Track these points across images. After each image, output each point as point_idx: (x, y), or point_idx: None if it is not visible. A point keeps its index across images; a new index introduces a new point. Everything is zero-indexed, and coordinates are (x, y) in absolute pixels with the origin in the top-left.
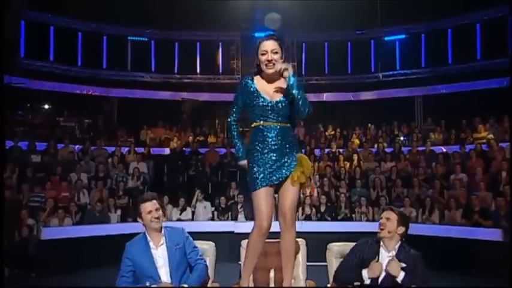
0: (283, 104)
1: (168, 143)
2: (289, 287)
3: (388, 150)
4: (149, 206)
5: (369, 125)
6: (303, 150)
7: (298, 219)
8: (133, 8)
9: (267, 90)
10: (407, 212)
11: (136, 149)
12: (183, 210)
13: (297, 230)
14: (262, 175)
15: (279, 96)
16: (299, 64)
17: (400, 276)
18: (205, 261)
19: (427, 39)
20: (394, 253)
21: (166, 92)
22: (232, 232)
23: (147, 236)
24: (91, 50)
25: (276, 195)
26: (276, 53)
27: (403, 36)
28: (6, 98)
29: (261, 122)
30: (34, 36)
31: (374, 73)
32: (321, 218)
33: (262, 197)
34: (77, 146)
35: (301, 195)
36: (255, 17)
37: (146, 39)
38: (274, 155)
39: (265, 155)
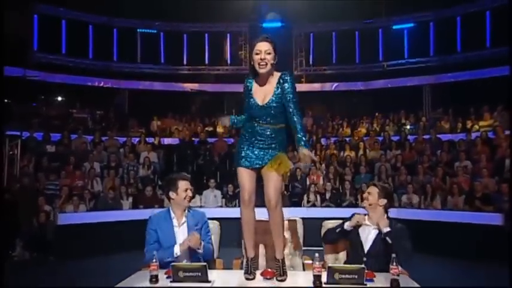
0: (273, 107)
1: (177, 133)
2: (282, 258)
3: (394, 138)
4: (186, 185)
5: (376, 114)
6: (311, 140)
7: (304, 206)
8: (142, 0)
9: (259, 92)
10: (410, 199)
11: (146, 139)
12: (192, 197)
13: (303, 216)
14: (244, 155)
15: (268, 99)
16: (307, 54)
17: (387, 228)
18: (212, 246)
19: (435, 27)
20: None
21: (176, 83)
22: (239, 218)
23: (171, 212)
24: (102, 43)
25: None
26: (269, 53)
27: (411, 24)
28: (22, 90)
29: (253, 122)
30: (47, 30)
31: (382, 62)
32: (326, 205)
33: (243, 173)
34: (90, 136)
35: (307, 183)
36: (262, 8)
37: (155, 31)
38: (259, 145)
39: (252, 145)
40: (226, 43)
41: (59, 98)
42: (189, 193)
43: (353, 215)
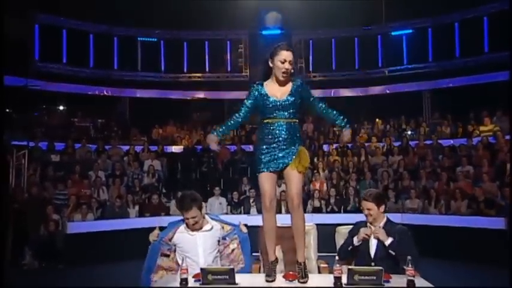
0: (289, 102)
1: (180, 141)
2: (303, 261)
3: (396, 144)
4: (191, 214)
5: (377, 120)
6: (312, 146)
7: (308, 212)
8: (142, 9)
9: (276, 92)
10: (413, 204)
11: (149, 147)
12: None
13: (308, 222)
14: (266, 160)
15: (285, 95)
16: (306, 61)
17: (388, 240)
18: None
19: (434, 33)
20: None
21: (176, 91)
22: (245, 225)
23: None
24: (102, 52)
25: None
26: (292, 64)
27: (409, 31)
28: (23, 100)
29: (270, 119)
30: (48, 39)
31: (381, 68)
32: (331, 211)
33: (265, 178)
34: (92, 145)
35: (311, 189)
36: (262, 15)
37: (155, 39)
38: (279, 145)
39: (271, 145)
40: (226, 50)
41: (61, 107)
42: (191, 221)
43: (356, 224)
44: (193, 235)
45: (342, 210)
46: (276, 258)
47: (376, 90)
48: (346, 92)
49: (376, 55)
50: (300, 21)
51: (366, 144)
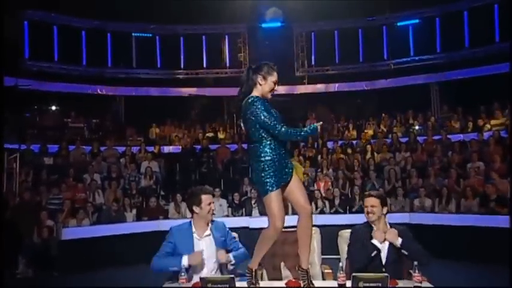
0: (281, 117)
1: (178, 140)
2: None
3: (403, 140)
4: (209, 199)
5: (383, 114)
6: (316, 143)
7: (313, 213)
8: (136, 3)
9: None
10: (422, 202)
11: (146, 147)
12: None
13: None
14: (271, 180)
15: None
16: (308, 54)
17: (399, 241)
18: (244, 249)
19: (441, 23)
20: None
21: (173, 88)
22: (247, 228)
23: (193, 226)
24: (95, 48)
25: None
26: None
27: (416, 21)
28: (13, 100)
29: (274, 137)
30: (38, 37)
31: (387, 60)
32: (336, 211)
33: (273, 200)
34: (87, 146)
35: (315, 189)
36: (261, 8)
37: (151, 35)
38: (278, 160)
39: (271, 162)
40: (224, 45)
41: (53, 108)
42: (212, 206)
43: (353, 231)
44: (199, 239)
45: (347, 211)
46: (259, 266)
47: (381, 83)
48: (350, 86)
49: (381, 47)
50: (301, 12)
51: (372, 140)
